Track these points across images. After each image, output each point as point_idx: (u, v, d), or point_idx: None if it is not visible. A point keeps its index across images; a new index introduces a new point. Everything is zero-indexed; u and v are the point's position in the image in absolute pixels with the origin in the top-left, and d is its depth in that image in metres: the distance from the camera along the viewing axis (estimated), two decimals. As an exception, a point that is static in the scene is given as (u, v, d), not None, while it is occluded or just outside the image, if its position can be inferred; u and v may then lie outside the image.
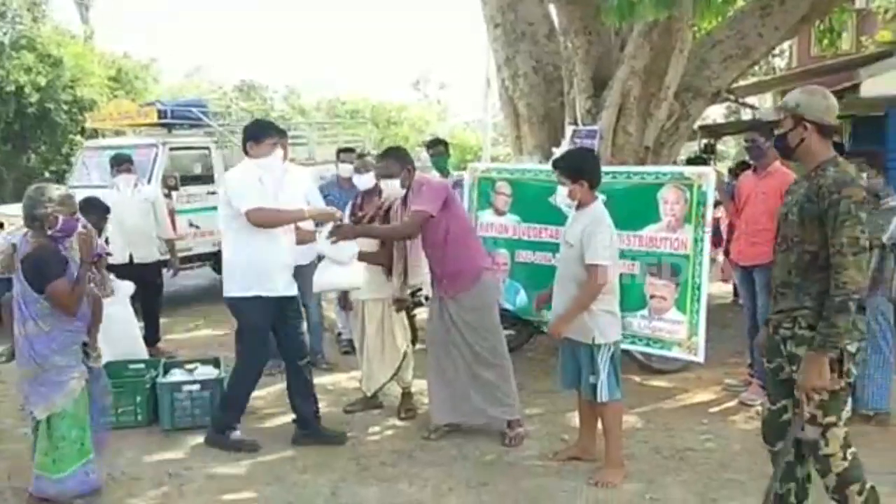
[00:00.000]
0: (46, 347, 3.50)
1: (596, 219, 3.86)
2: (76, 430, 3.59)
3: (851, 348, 2.78)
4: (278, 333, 4.45)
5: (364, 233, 4.44)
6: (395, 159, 4.48)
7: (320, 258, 4.68)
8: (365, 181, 4.90)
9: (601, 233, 3.81)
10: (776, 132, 2.99)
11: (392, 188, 4.46)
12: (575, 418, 4.35)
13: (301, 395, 4.48)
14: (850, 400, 2.91)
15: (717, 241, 6.16)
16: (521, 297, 5.59)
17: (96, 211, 5.28)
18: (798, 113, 2.85)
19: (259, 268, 4.22)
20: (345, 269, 4.42)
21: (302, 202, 4.94)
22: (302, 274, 5.71)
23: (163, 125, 9.57)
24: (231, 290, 4.30)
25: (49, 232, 3.47)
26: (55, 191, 3.54)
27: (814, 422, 2.83)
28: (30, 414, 3.61)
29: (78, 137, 14.98)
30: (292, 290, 4.41)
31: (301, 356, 4.50)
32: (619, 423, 4.03)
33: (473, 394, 4.36)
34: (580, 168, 3.91)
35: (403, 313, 4.92)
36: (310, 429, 4.47)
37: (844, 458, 2.86)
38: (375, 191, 4.80)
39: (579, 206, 3.93)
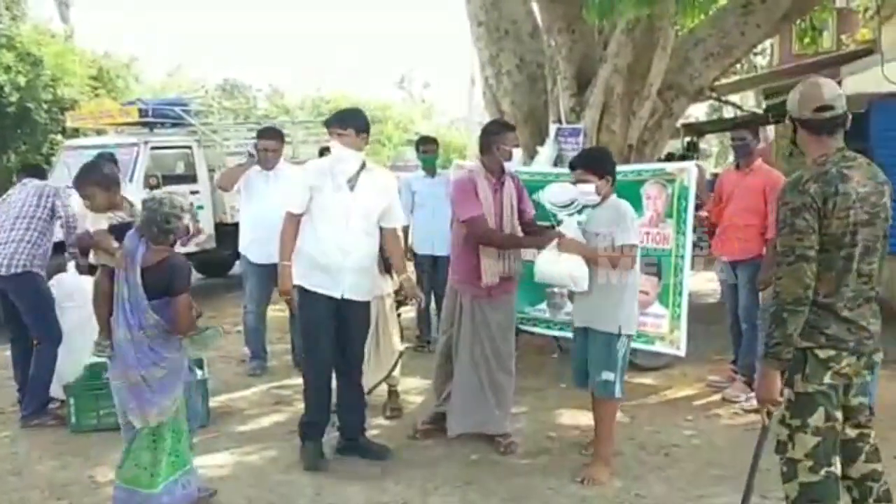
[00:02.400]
0: (147, 359, 3.32)
1: (623, 206, 4.00)
2: (172, 441, 3.44)
3: (821, 354, 2.66)
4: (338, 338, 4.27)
5: (587, 254, 3.94)
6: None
7: None
8: None
9: (631, 218, 3.98)
10: None
11: (515, 157, 4.39)
12: (561, 416, 4.36)
13: (347, 407, 4.33)
14: (822, 410, 2.68)
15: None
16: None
17: None
18: (788, 112, 2.79)
19: (308, 260, 4.07)
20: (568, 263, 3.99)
21: None
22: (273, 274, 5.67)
23: (144, 124, 9.49)
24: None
25: (176, 241, 3.41)
26: (182, 200, 3.46)
27: (783, 422, 2.76)
28: (125, 424, 3.40)
29: (58, 137, 14.80)
30: (350, 294, 4.11)
31: (353, 366, 4.30)
32: (614, 420, 4.07)
33: (491, 397, 4.30)
34: (604, 164, 4.03)
35: (394, 311, 4.91)
36: (354, 440, 4.32)
37: (814, 472, 2.69)
38: None
39: (602, 200, 4.00)
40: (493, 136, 4.30)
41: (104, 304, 3.45)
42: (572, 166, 4.09)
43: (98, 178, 4.03)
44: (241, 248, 5.98)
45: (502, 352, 4.34)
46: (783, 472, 2.77)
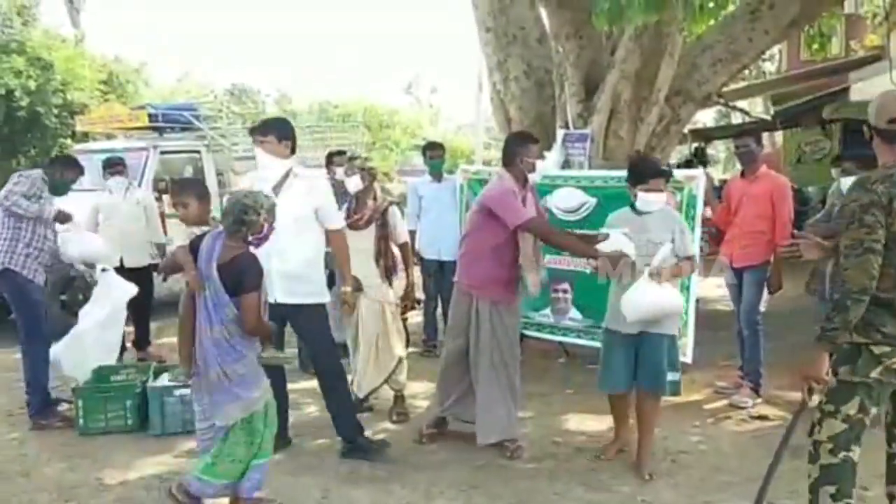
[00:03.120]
0: (229, 356, 3.33)
1: (678, 215, 4.15)
2: (261, 432, 3.45)
3: (876, 350, 2.78)
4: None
5: (679, 274, 4.09)
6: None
7: None
8: (354, 183, 4.86)
9: (688, 228, 4.15)
10: None
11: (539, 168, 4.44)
12: (567, 421, 4.36)
13: (335, 413, 4.36)
14: (857, 400, 2.82)
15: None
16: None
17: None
18: (867, 118, 2.94)
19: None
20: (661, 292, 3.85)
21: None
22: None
23: (153, 129, 9.54)
24: None
25: (250, 238, 3.40)
26: (265, 199, 3.46)
27: (819, 406, 2.91)
28: (205, 429, 3.46)
29: (68, 141, 14.90)
30: (283, 298, 4.11)
31: (327, 371, 4.32)
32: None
33: (510, 401, 4.33)
34: (668, 174, 4.17)
35: (399, 317, 4.92)
36: (353, 442, 4.34)
37: (833, 454, 2.85)
38: (369, 193, 4.79)
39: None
40: (517, 149, 4.33)
41: (188, 327, 3.44)
42: (644, 175, 3.97)
43: (196, 189, 4.16)
44: None
45: (516, 355, 4.38)
46: (810, 453, 2.94)
